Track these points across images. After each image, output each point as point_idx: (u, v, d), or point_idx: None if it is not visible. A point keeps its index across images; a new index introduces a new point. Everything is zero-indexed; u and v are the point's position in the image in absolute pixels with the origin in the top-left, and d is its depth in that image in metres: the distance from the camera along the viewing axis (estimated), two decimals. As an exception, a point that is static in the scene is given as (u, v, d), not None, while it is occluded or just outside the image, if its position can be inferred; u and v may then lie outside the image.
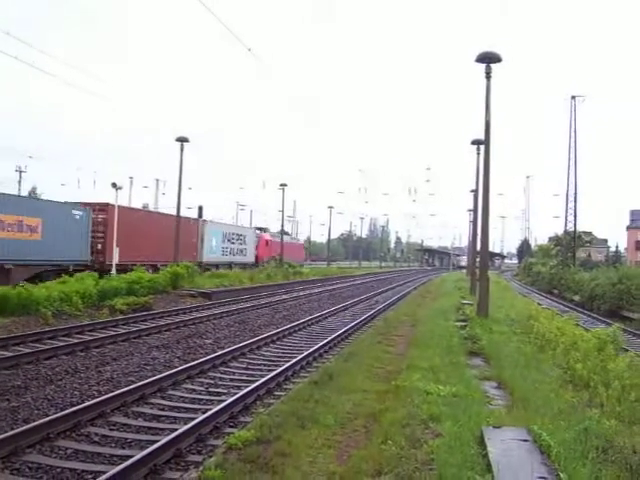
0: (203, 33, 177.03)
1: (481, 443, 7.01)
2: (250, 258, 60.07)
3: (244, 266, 55.20)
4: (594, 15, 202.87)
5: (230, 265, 52.43)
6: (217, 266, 49.10)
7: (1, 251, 26.06)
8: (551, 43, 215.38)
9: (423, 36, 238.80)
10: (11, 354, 14.52)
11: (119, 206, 34.60)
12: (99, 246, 33.88)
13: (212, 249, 50.21)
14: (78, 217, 32.19)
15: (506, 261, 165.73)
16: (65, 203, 33.64)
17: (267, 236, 68.05)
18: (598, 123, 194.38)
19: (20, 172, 72.39)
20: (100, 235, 34.07)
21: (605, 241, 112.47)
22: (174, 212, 39.91)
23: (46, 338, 17.26)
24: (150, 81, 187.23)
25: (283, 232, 67.12)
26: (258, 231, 68.00)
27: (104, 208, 34.47)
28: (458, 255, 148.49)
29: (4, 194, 28.87)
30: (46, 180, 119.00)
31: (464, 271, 79.73)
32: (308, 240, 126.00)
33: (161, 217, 45.29)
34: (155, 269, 37.19)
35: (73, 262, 30.79)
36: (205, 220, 51.30)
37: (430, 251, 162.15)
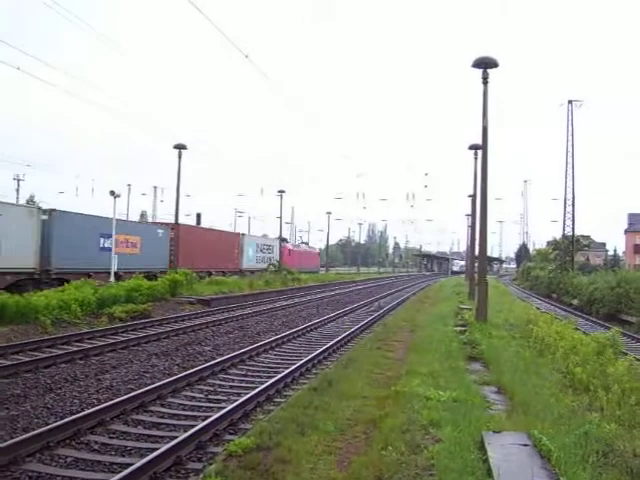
0: (201, 39, 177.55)
1: (481, 448, 7.01)
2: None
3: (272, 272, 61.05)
4: (591, 19, 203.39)
5: (261, 271, 59.54)
6: (252, 271, 57.24)
7: (118, 262, 32.41)
8: (549, 47, 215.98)
9: (422, 41, 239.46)
10: (10, 363, 14.49)
11: (183, 225, 45.09)
12: (172, 257, 41.83)
13: (249, 258, 59.99)
14: (161, 235, 41.03)
15: (504, 266, 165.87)
16: (153, 224, 44.79)
17: (289, 246, 77.93)
18: (596, 127, 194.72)
19: (18, 180, 72.33)
20: (172, 248, 42.06)
21: (603, 245, 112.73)
22: (172, 219, 40.23)
23: (45, 346, 17.23)
24: (148, 88, 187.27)
25: (303, 242, 79.68)
26: (274, 240, 74.26)
27: (174, 227, 43.04)
28: (453, 259, 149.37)
29: (118, 219, 35.27)
30: (44, 188, 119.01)
31: (462, 276, 79.73)
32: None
33: (213, 232, 54.37)
34: (209, 274, 45.57)
35: (158, 269, 38.36)
36: (244, 234, 63.02)
37: (429, 256, 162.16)
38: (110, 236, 32.31)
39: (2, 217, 25.35)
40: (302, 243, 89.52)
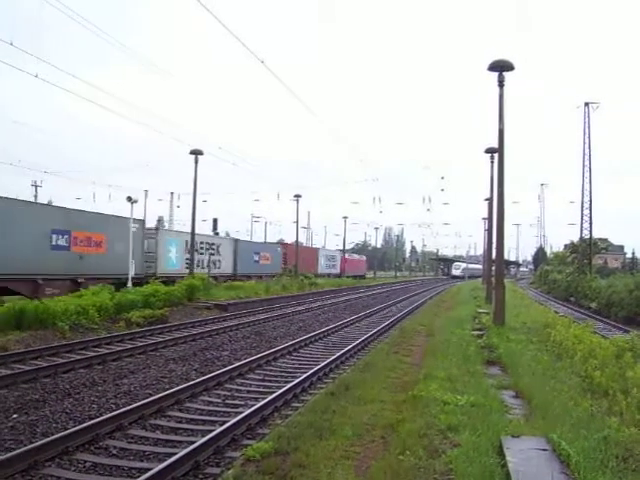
0: (216, 45, 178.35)
1: (500, 453, 6.97)
2: (337, 270, 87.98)
3: (336, 275, 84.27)
4: (608, 22, 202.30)
5: (328, 275, 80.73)
6: (323, 275, 76.21)
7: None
8: (566, 49, 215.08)
9: (439, 44, 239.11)
10: (29, 368, 14.61)
11: (287, 243, 75.37)
12: (282, 265, 64.47)
13: (322, 266, 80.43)
14: (279, 250, 65.93)
15: (522, 269, 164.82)
16: (274, 243, 71.09)
17: (346, 255, 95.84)
18: (613, 128, 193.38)
19: (36, 187, 72.74)
20: (282, 259, 65.12)
21: (621, 247, 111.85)
22: (189, 224, 40.56)
23: (63, 352, 17.34)
24: (164, 95, 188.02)
25: (344, 250, 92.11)
26: (336, 252, 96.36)
27: (284, 244, 72.33)
28: (454, 261, 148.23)
29: (268, 243, 65.40)
30: (62, 194, 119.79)
31: (479, 280, 79.25)
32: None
33: (304, 248, 76.92)
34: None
35: (277, 273, 58.07)
36: (319, 248, 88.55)
37: (445, 260, 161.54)
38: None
39: None
40: (353, 254, 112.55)
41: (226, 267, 50.64)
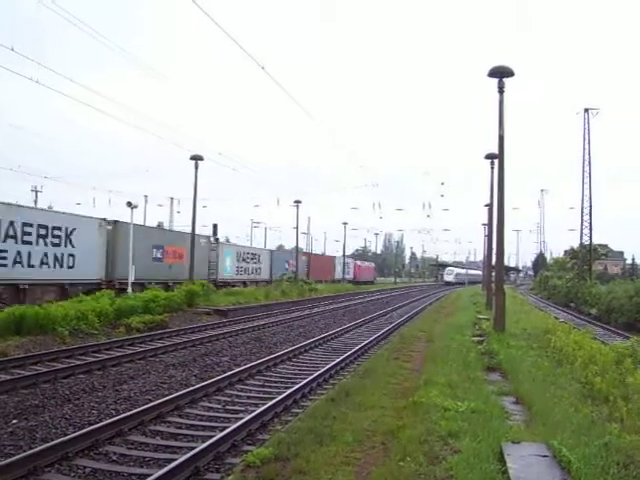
0: (215, 49, 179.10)
1: (500, 459, 6.96)
2: (351, 276, 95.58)
3: (350, 281, 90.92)
4: (607, 27, 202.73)
5: (343, 280, 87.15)
6: (339, 280, 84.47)
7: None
8: (566, 55, 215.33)
9: (439, 49, 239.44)
10: (29, 373, 14.60)
11: (310, 253, 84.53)
12: (306, 270, 71.25)
13: (338, 272, 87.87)
14: (304, 259, 72.22)
15: (521, 275, 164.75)
16: (301, 253, 71.83)
17: (358, 262, 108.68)
18: (613, 134, 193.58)
19: (36, 192, 72.77)
20: (307, 266, 72.92)
21: (621, 253, 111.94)
22: (189, 230, 40.53)
23: (63, 357, 17.33)
24: (164, 99, 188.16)
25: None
26: (349, 259, 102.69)
27: (306, 254, 77.81)
28: (447, 266, 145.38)
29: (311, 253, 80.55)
30: (61, 199, 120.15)
31: (479, 286, 79.13)
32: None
33: (323, 256, 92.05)
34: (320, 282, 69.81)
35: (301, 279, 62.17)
36: (335, 256, 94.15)
37: (445, 266, 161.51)
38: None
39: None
40: (365, 261, 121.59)
41: (264, 274, 59.99)
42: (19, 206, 28.64)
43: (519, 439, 7.73)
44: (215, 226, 59.19)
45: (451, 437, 8.30)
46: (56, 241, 28.78)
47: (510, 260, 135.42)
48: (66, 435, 9.47)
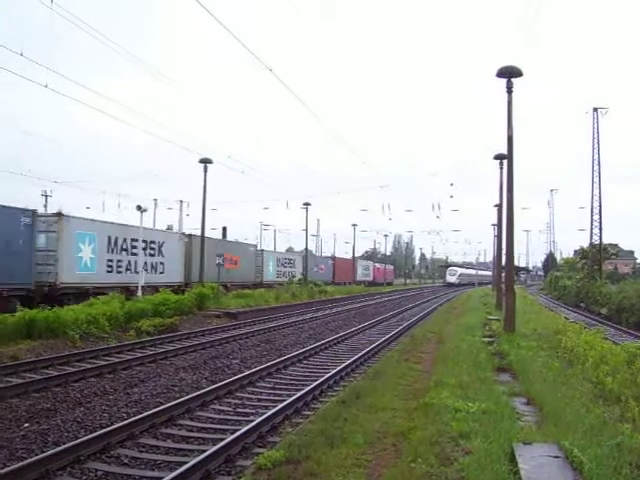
0: (220, 51, 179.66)
1: (512, 460, 6.94)
2: (371, 278, 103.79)
3: (369, 282, 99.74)
4: (617, 26, 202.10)
5: (364, 282, 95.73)
6: (360, 282, 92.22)
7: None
8: (576, 55, 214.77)
9: (450, 50, 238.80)
10: (40, 377, 14.65)
11: (335, 257, 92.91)
12: (332, 273, 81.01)
13: (359, 274, 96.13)
14: (330, 262, 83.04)
15: (532, 275, 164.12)
16: (328, 257, 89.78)
17: (377, 265, 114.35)
18: (623, 133, 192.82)
19: (46, 196, 72.99)
20: (332, 269, 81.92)
21: (632, 253, 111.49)
22: (198, 233, 40.71)
23: (74, 361, 17.39)
24: (173, 103, 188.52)
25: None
26: (369, 262, 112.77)
27: (334, 258, 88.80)
28: (449, 266, 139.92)
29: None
30: (71, 203, 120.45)
31: (489, 287, 78.85)
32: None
33: (347, 260, 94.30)
34: (344, 284, 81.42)
35: (328, 281, 73.06)
36: (357, 259, 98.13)
37: (455, 267, 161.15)
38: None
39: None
40: (385, 264, 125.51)
41: (298, 275, 65.92)
42: (129, 226, 34.86)
43: (530, 440, 7.71)
44: (224, 229, 59.35)
45: (462, 438, 8.29)
46: (152, 252, 36.75)
47: (520, 260, 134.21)
48: (78, 438, 9.50)
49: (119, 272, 32.85)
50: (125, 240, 33.64)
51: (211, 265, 39.99)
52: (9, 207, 25.48)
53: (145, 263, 34.82)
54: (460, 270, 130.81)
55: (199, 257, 39.09)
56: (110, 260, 32.47)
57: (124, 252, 33.48)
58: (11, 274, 24.60)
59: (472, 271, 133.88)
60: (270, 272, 59.37)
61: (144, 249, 34.94)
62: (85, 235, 30.31)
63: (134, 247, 34.00)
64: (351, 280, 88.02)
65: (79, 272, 29.46)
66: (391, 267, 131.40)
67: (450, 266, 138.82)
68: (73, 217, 29.91)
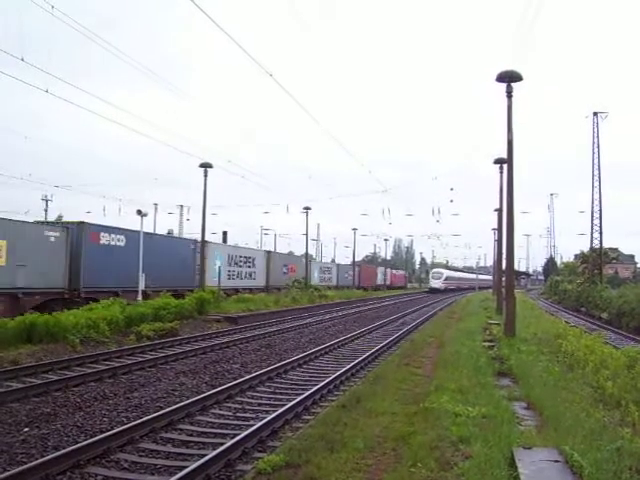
0: (223, 57, 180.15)
1: (512, 464, 6.94)
2: (388, 282, 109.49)
3: (386, 286, 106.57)
4: (618, 28, 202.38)
5: (382, 286, 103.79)
6: (379, 287, 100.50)
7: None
8: (576, 59, 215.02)
9: (449, 55, 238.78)
10: (40, 381, 14.65)
11: (360, 264, 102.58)
12: (357, 278, 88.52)
13: (379, 278, 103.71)
14: (357, 270, 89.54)
15: (532, 279, 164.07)
16: (350, 264, 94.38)
17: (393, 271, 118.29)
18: (623, 137, 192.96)
19: (46, 201, 73.17)
20: (357, 275, 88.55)
21: (632, 257, 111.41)
22: (199, 237, 40.87)
23: (74, 365, 17.39)
24: (173, 107, 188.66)
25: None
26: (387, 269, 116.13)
27: (358, 265, 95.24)
28: (434, 270, 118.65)
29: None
30: (71, 208, 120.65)
31: (489, 291, 78.67)
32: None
33: (369, 267, 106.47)
34: (364, 289, 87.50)
35: (350, 285, 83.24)
36: (378, 267, 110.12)
37: (455, 271, 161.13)
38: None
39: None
40: (398, 269, 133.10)
41: (334, 280, 79.87)
42: (239, 247, 57.86)
43: (530, 444, 7.71)
44: (225, 233, 59.43)
45: (462, 443, 8.29)
46: (249, 265, 51.72)
47: (520, 265, 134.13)
48: (78, 443, 9.49)
49: (233, 279, 48.10)
50: (236, 257, 49.13)
51: (278, 273, 58.10)
52: (185, 239, 49.19)
53: (245, 272, 50.92)
54: (447, 273, 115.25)
55: (273, 267, 56.76)
56: (229, 271, 47.22)
57: (235, 265, 48.88)
58: (185, 280, 39.14)
59: (462, 274, 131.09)
60: (316, 278, 71.69)
61: (245, 263, 50.78)
62: (218, 254, 44.97)
63: (240, 262, 49.77)
64: (373, 284, 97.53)
65: (214, 279, 41.39)
66: (404, 273, 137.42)
67: (434, 267, 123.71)
68: (213, 243, 48.49)
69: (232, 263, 47.90)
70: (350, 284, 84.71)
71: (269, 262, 55.90)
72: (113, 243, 32.08)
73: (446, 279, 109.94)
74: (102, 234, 31.35)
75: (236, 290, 46.32)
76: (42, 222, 34.58)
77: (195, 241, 42.54)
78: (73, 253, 28.94)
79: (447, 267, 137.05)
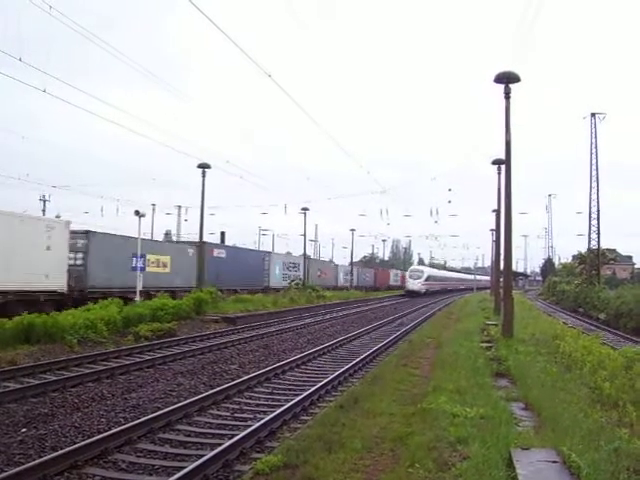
0: (221, 57, 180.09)
1: (510, 465, 6.93)
2: (399, 283, 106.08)
3: (399, 287, 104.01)
4: (616, 30, 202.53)
5: (395, 286, 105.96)
6: (393, 287, 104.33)
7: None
8: (575, 60, 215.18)
9: (447, 56, 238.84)
10: (38, 382, 14.64)
11: (376, 267, 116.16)
12: (374, 280, 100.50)
13: (391, 280, 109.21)
14: (373, 272, 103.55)
15: (530, 280, 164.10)
16: (370, 268, 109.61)
17: (405, 273, 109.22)
18: (619, 138, 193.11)
19: (44, 201, 73.06)
20: (374, 277, 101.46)
21: (630, 258, 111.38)
22: (197, 238, 41.04)
23: (72, 365, 17.37)
24: (172, 108, 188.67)
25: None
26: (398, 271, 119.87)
27: (376, 268, 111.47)
28: (412, 270, 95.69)
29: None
30: (69, 208, 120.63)
31: (487, 292, 78.60)
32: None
33: (385, 270, 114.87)
34: (376, 289, 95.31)
35: (370, 286, 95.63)
36: (391, 270, 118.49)
37: (453, 272, 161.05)
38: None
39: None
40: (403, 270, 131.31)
41: (355, 282, 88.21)
42: (291, 255, 77.99)
43: (528, 445, 7.70)
44: (223, 234, 59.44)
45: (460, 443, 8.28)
46: (295, 269, 65.87)
47: (518, 265, 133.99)
48: (75, 443, 9.49)
49: (287, 280, 61.04)
50: (287, 263, 65.76)
51: (314, 275, 69.74)
52: (260, 251, 69.94)
53: (293, 275, 64.04)
54: (428, 271, 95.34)
55: (311, 270, 68.41)
56: (284, 274, 62.45)
57: (287, 269, 64.26)
58: (257, 281, 54.48)
59: (450, 273, 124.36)
60: (341, 279, 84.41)
61: (293, 267, 65.84)
62: (277, 261, 61.91)
63: (290, 267, 65.31)
64: (386, 285, 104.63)
65: (274, 280, 58.61)
66: None
67: (415, 270, 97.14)
68: (275, 253, 68.75)
69: (285, 268, 63.81)
70: (368, 284, 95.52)
71: (308, 267, 67.57)
72: (219, 256, 47.29)
73: (428, 279, 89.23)
74: (214, 250, 47.17)
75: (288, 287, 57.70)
76: (185, 242, 53.84)
77: (267, 252, 64.88)
78: (199, 263, 41.04)
79: (432, 265, 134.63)
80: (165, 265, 38.18)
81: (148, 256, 35.25)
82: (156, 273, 36.44)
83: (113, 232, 37.73)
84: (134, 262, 32.03)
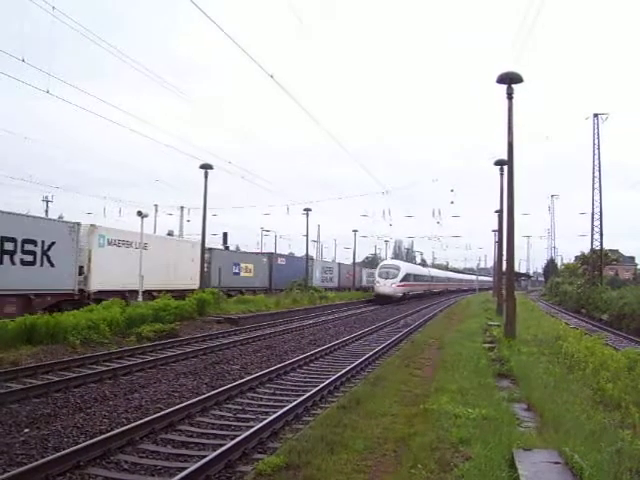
0: (223, 58, 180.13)
1: (512, 466, 6.93)
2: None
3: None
4: (618, 30, 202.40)
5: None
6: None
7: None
8: (578, 60, 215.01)
9: (450, 56, 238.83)
10: (40, 382, 14.64)
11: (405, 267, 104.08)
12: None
13: (403, 278, 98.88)
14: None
15: (532, 281, 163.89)
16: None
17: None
18: (621, 138, 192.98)
19: (47, 202, 73.13)
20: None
21: (632, 259, 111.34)
22: (199, 238, 41.01)
23: (74, 366, 17.38)
24: (174, 108, 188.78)
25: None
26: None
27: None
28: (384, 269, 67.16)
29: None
30: (72, 209, 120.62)
31: (490, 292, 78.44)
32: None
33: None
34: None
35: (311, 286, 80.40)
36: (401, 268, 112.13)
37: (456, 272, 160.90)
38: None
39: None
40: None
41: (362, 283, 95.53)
42: (327, 261, 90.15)
43: (530, 446, 7.70)
44: (225, 234, 59.52)
45: (462, 444, 8.28)
46: (330, 272, 75.98)
47: (521, 266, 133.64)
48: (78, 444, 9.49)
49: (323, 282, 70.41)
50: (325, 267, 75.98)
51: (344, 277, 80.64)
52: (300, 257, 73.97)
53: (325, 277, 73.59)
54: (406, 268, 71.21)
55: (341, 273, 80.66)
56: (322, 277, 71.66)
57: (324, 273, 73.46)
58: (304, 283, 59.74)
59: (436, 272, 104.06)
60: (364, 280, 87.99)
61: (329, 271, 76.01)
62: (317, 266, 71.44)
63: (327, 270, 75.18)
64: None
65: (316, 281, 67.11)
66: None
67: (387, 260, 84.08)
68: (317, 260, 79.34)
69: (323, 272, 72.93)
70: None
71: (340, 270, 79.31)
72: (281, 262, 61.42)
73: (404, 279, 65.39)
74: (278, 258, 62.13)
75: (325, 289, 64.15)
76: (260, 253, 67.57)
77: (310, 258, 70.37)
78: (268, 268, 56.78)
79: (434, 266, 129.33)
80: (250, 271, 52.86)
81: (241, 264, 51.20)
82: (246, 277, 51.82)
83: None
84: (234, 268, 49.39)
